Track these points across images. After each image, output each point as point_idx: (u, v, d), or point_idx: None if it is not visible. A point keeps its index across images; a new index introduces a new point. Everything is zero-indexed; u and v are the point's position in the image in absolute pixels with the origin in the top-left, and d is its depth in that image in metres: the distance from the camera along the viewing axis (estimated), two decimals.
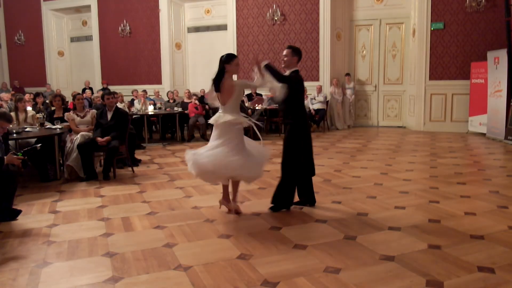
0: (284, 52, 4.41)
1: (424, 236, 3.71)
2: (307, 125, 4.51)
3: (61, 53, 15.73)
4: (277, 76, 4.27)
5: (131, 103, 10.49)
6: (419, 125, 10.95)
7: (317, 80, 11.63)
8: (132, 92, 11.43)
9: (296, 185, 4.52)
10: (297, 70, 4.42)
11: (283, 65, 4.47)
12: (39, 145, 4.71)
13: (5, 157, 4.27)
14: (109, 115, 6.34)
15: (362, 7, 11.79)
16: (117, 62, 14.18)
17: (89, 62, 15.02)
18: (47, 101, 9.24)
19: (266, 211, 4.49)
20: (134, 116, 9.11)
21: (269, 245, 3.57)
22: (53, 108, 7.30)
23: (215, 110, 5.13)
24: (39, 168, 6.03)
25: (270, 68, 4.23)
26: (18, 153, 4.34)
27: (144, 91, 10.93)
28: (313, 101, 11.23)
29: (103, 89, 12.97)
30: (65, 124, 6.58)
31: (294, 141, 4.39)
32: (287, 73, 4.42)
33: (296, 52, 4.42)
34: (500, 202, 4.68)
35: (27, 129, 6.10)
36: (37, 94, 10.02)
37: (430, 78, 10.67)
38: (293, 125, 4.40)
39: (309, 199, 4.62)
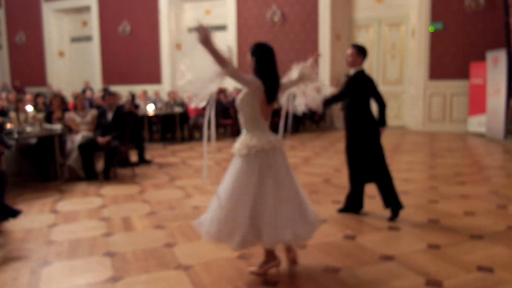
0: (349, 52, 4.10)
1: (423, 236, 3.72)
2: (367, 136, 4.09)
3: (61, 54, 15.74)
4: (336, 99, 4.11)
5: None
6: (418, 125, 10.96)
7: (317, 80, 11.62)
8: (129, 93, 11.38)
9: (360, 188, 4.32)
10: (361, 71, 4.09)
11: (347, 65, 4.19)
12: None
13: None
14: (110, 115, 6.37)
15: (361, 8, 11.78)
16: (117, 62, 14.19)
17: (89, 62, 15.04)
18: (48, 101, 9.25)
19: None
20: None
21: None
22: (52, 108, 7.28)
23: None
24: (39, 168, 6.04)
25: (328, 101, 4.04)
26: None
27: (144, 91, 10.92)
28: None
29: (104, 89, 12.97)
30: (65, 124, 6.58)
31: (350, 151, 4.19)
32: (351, 72, 4.14)
33: (360, 51, 4.08)
34: (499, 202, 4.69)
35: (27, 129, 6.10)
36: (37, 95, 10.04)
37: (430, 78, 10.68)
38: (350, 135, 4.15)
39: (353, 205, 4.40)
